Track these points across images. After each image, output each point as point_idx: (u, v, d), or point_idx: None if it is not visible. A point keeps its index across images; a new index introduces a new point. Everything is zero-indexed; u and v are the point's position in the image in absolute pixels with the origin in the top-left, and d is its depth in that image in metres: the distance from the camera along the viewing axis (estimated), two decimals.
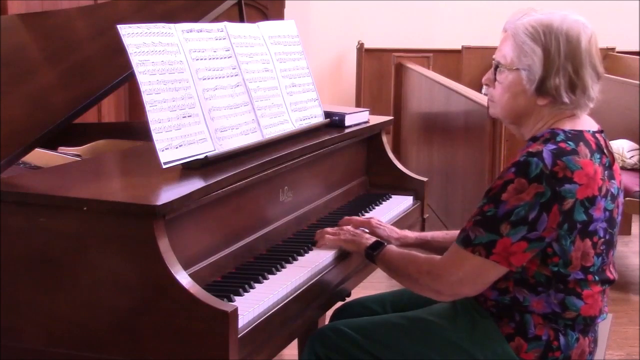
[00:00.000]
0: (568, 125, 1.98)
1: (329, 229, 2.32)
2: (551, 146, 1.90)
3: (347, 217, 2.45)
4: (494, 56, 2.06)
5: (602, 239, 1.96)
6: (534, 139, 1.99)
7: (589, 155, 1.91)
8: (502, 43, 2.04)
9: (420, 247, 2.41)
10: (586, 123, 2.02)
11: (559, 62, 1.94)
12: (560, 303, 1.96)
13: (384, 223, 2.44)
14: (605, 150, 1.98)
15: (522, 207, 1.87)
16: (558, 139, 1.93)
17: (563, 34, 1.94)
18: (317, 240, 2.30)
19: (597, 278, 1.97)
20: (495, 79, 2.05)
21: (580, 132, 1.96)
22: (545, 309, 1.96)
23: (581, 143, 1.93)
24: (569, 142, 1.92)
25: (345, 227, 2.31)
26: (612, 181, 1.98)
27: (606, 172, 1.95)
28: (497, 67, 2.04)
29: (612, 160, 2.01)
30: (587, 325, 2.01)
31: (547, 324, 1.98)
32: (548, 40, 1.94)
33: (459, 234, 1.97)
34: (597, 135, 2.00)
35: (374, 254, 2.15)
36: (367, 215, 2.65)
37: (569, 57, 1.94)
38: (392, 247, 2.14)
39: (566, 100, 1.95)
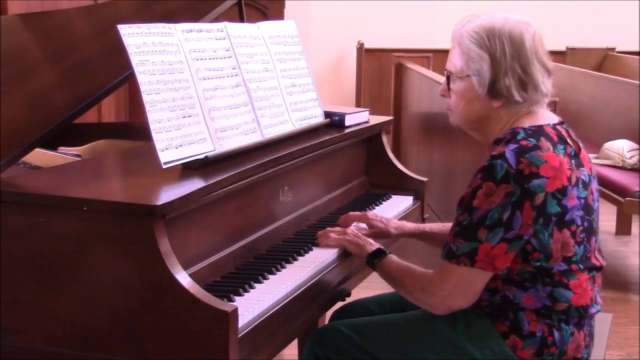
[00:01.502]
0: (527, 123, 2.01)
1: (332, 229, 2.33)
2: (512, 145, 1.93)
3: (344, 216, 2.46)
4: (445, 67, 2.11)
5: (581, 227, 1.97)
6: (497, 142, 2.03)
7: (551, 148, 1.94)
8: (450, 52, 2.10)
9: (418, 237, 2.45)
10: (546, 117, 2.05)
11: (506, 63, 1.98)
12: (550, 296, 1.97)
13: (380, 215, 2.46)
14: (568, 140, 2.01)
15: (494, 209, 1.89)
16: (518, 137, 1.96)
17: (506, 35, 1.98)
18: (319, 238, 2.31)
19: (581, 266, 1.98)
20: (449, 89, 2.09)
21: (540, 126, 1.99)
22: (536, 304, 1.97)
23: (542, 137, 1.96)
24: (530, 139, 1.95)
25: (350, 229, 2.32)
26: (581, 169, 2.00)
27: (573, 161, 1.98)
28: (449, 76, 2.08)
29: (578, 148, 2.04)
30: (581, 317, 2.01)
31: (540, 320, 1.98)
32: (492, 43, 1.99)
33: (443, 249, 2.00)
34: (558, 127, 2.03)
35: (374, 261, 2.17)
36: None
37: (515, 57, 1.98)
38: (392, 258, 2.16)
39: (519, 98, 1.99)
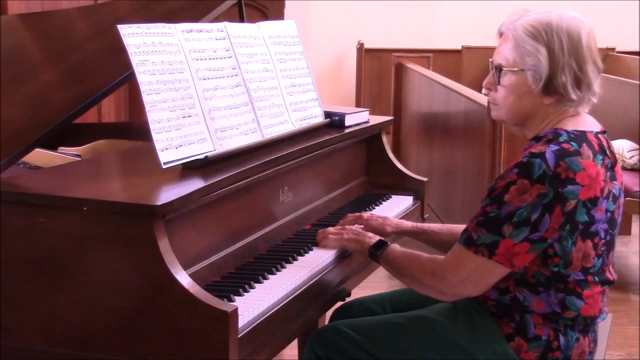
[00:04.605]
0: (571, 125, 1.97)
1: (331, 229, 2.32)
2: (554, 147, 1.90)
3: (341, 221, 2.45)
4: (492, 59, 2.05)
5: (603, 240, 1.96)
6: (537, 139, 1.99)
7: (591, 156, 1.91)
8: (500, 45, 2.04)
9: (416, 236, 2.42)
10: (589, 123, 2.02)
11: (564, 59, 1.94)
12: (560, 303, 1.96)
13: (376, 214, 2.45)
14: (607, 152, 1.98)
15: (524, 208, 1.87)
16: (561, 139, 1.93)
17: (564, 31, 1.94)
18: (319, 240, 2.30)
19: (597, 279, 1.97)
20: (498, 82, 2.04)
21: (583, 132, 1.96)
22: (545, 309, 1.96)
23: (584, 144, 1.93)
24: (572, 143, 1.92)
25: (347, 227, 2.31)
26: (614, 182, 1.98)
27: (608, 173, 1.95)
28: (499, 69, 2.02)
29: (615, 161, 2.01)
30: (587, 325, 2.01)
31: (547, 324, 1.98)
32: (550, 38, 1.94)
33: (462, 234, 1.97)
34: (600, 136, 2.00)
35: (377, 253, 2.15)
36: None
37: (572, 53, 1.94)
38: (396, 247, 2.14)
39: (573, 96, 1.96)
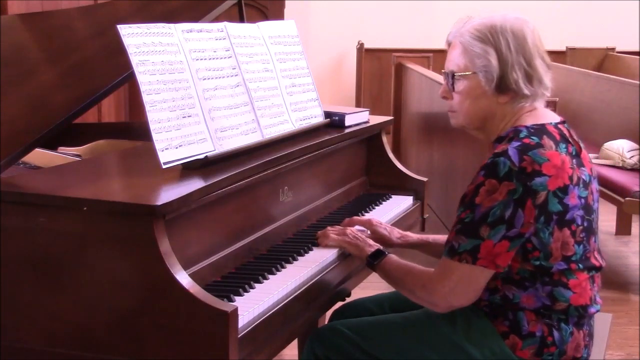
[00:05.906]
0: (530, 121, 2.02)
1: (332, 229, 2.33)
2: (515, 143, 1.94)
3: (348, 219, 2.46)
4: (444, 69, 2.11)
5: (581, 227, 1.98)
6: (499, 140, 2.03)
7: (553, 146, 1.95)
8: (450, 53, 2.10)
9: (421, 248, 2.43)
10: (547, 116, 2.06)
11: (512, 57, 2.00)
12: (549, 295, 1.97)
13: (385, 223, 2.45)
14: (570, 140, 2.02)
15: (496, 207, 1.90)
16: (521, 135, 1.97)
17: (508, 31, 2.01)
18: (319, 239, 2.30)
19: (581, 266, 1.99)
20: (452, 89, 2.09)
21: (542, 125, 2.01)
22: (535, 304, 1.98)
23: (544, 136, 1.97)
24: (533, 137, 1.95)
25: (349, 229, 2.32)
26: (582, 168, 2.01)
27: (574, 160, 1.98)
28: (451, 76, 2.07)
29: (579, 148, 2.05)
30: (581, 316, 2.02)
31: (540, 320, 1.99)
32: (497, 39, 2.00)
33: (445, 246, 2.00)
34: (560, 126, 2.04)
35: (374, 263, 2.17)
36: (367, 215, 2.65)
37: (519, 51, 2.00)
38: (392, 258, 2.16)
39: (527, 92, 2.01)
